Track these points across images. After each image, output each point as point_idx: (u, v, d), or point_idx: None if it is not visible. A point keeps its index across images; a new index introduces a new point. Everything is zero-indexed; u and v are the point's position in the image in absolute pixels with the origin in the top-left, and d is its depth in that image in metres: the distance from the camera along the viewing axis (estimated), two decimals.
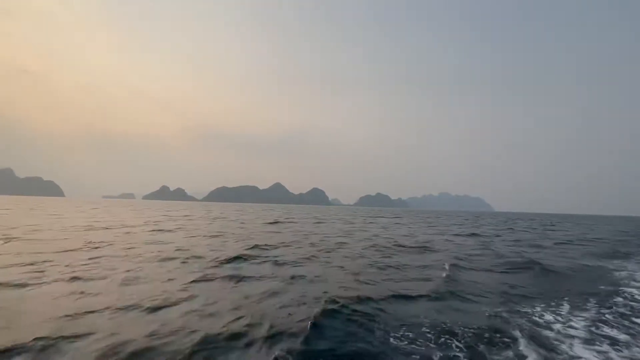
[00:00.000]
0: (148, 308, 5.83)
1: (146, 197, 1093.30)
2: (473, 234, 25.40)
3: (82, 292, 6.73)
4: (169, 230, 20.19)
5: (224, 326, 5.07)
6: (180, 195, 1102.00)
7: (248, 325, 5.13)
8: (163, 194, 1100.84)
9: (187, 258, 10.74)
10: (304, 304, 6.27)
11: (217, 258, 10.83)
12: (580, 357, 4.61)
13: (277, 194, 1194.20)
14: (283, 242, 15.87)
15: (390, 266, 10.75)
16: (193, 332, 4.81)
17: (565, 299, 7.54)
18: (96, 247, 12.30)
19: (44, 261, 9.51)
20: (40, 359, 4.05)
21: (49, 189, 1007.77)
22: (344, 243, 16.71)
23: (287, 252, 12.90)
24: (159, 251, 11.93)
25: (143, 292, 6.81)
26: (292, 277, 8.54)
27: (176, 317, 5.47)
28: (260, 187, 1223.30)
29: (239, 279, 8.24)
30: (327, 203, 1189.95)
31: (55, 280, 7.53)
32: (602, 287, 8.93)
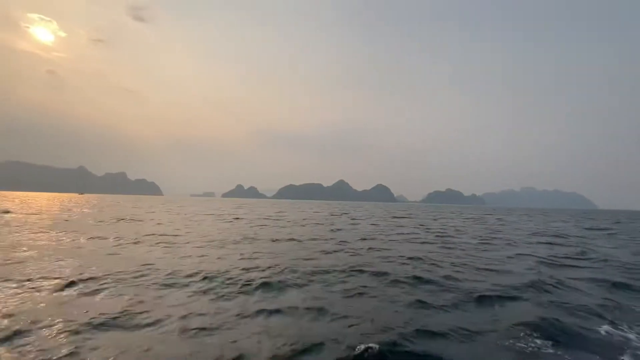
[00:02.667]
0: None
1: (225, 195, 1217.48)
2: None
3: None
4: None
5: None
6: (253, 193, 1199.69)
7: None
8: (238, 192, 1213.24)
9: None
10: None
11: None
12: None
13: (340, 191, 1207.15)
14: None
15: None
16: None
17: None
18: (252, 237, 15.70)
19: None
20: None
21: (152, 188, 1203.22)
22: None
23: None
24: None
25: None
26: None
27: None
28: (325, 185, 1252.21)
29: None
30: (392, 200, 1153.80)
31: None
32: None
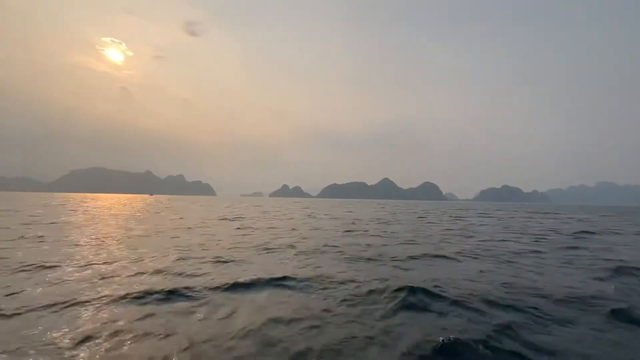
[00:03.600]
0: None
1: (272, 195, 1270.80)
2: None
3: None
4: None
5: None
6: (298, 192, 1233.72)
7: None
8: (284, 191, 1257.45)
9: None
10: None
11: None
12: None
13: (385, 189, 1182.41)
14: None
15: None
16: None
17: None
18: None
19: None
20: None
21: (207, 189, 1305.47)
22: None
23: None
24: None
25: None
26: None
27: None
28: (369, 183, 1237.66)
29: None
30: (441, 198, 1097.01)
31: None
32: None
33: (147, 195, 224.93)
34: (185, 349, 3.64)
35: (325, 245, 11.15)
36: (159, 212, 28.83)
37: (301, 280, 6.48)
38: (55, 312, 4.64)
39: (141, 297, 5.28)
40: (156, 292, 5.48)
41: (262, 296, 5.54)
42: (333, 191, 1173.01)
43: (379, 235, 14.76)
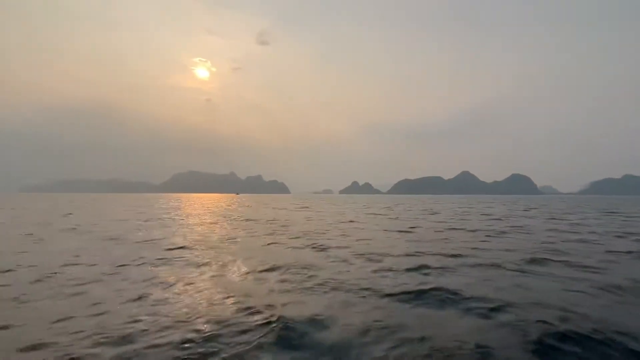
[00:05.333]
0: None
1: (342, 192, 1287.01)
2: None
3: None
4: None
5: None
6: (367, 189, 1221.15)
7: None
8: (354, 188, 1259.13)
9: None
10: None
11: None
12: None
13: (464, 183, 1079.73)
14: None
15: None
16: None
17: None
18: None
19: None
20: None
21: (282, 188, 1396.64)
22: None
23: None
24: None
25: None
26: None
27: None
28: (445, 178, 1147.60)
29: None
30: (535, 192, 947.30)
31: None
32: None
33: (233, 195, 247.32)
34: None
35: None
36: (286, 208, 31.59)
37: None
38: None
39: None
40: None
41: None
42: (405, 187, 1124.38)
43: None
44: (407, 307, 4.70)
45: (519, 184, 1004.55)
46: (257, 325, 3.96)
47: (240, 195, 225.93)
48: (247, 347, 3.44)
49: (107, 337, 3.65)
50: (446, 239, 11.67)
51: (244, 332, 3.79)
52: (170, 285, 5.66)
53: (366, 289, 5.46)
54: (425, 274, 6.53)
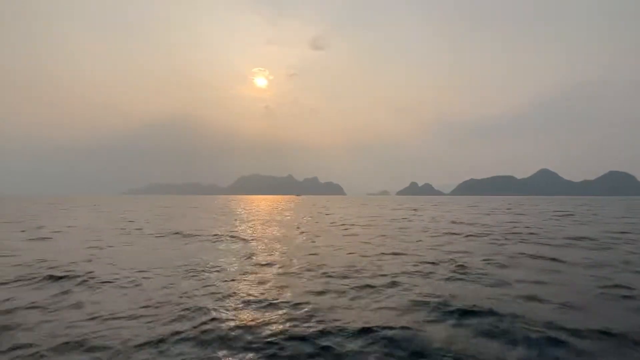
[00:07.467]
0: None
1: (399, 193, 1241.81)
2: None
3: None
4: None
5: None
6: (428, 190, 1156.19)
7: None
8: (413, 189, 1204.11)
9: None
10: None
11: None
12: None
13: (543, 183, 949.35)
14: None
15: None
16: None
17: None
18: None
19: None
20: None
21: (337, 189, 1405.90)
22: None
23: None
24: None
25: None
26: None
27: None
28: (518, 177, 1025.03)
29: None
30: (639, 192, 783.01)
31: None
32: None
33: (294, 196, 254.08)
34: None
35: None
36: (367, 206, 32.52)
37: None
38: None
39: None
40: None
41: None
42: (470, 188, 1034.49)
43: None
44: None
45: (618, 184, 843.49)
46: None
47: (302, 196, 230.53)
48: None
49: None
50: None
51: None
52: None
53: None
54: None
